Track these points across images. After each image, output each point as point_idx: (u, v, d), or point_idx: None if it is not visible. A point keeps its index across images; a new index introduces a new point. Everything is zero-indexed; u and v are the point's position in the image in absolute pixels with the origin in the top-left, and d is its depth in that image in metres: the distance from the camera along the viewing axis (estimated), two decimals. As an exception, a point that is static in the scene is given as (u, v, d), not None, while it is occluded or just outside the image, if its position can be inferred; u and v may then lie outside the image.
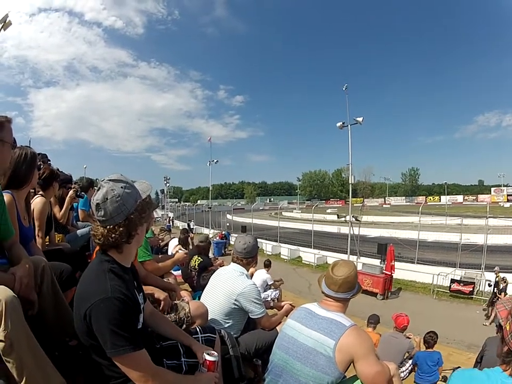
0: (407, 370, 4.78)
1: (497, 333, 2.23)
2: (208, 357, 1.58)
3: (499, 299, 10.08)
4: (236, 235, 27.11)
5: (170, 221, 38.10)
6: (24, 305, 1.47)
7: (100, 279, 1.30)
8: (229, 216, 36.98)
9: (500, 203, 62.59)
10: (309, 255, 20.03)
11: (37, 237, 2.57)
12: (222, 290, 2.51)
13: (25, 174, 2.21)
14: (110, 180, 1.31)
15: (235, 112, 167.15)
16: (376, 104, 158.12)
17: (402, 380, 2.33)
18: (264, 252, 22.60)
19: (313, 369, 1.72)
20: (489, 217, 17.57)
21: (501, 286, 11.10)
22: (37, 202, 2.71)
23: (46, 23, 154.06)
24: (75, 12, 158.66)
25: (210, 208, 34.73)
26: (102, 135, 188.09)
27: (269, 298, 5.68)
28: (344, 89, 19.45)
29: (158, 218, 30.57)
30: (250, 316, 2.53)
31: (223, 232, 24.40)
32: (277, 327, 2.60)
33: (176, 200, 76.80)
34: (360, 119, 17.76)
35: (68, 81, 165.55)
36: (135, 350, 1.26)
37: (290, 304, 2.98)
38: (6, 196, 1.95)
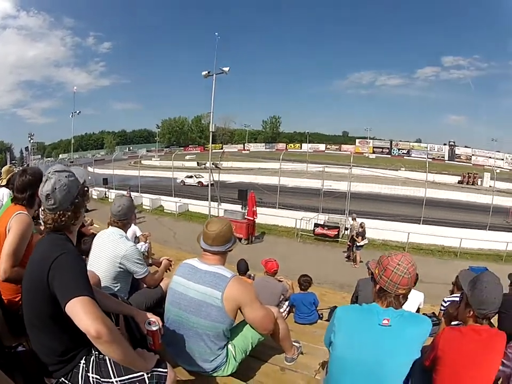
0: (285, 312, 4.94)
1: (369, 275, 2.76)
2: (150, 327, 1.67)
3: (356, 242, 12.08)
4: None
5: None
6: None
7: (58, 243, 1.44)
8: (90, 169, 34.34)
9: (365, 154, 62.76)
10: (171, 203, 20.48)
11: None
12: (106, 255, 2.53)
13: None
14: (56, 171, 1.47)
15: (100, 59, 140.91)
16: (241, 52, 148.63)
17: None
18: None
19: (207, 320, 1.89)
20: (352, 166, 18.78)
21: (359, 231, 12.01)
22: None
23: None
24: None
25: (73, 162, 30.83)
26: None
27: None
28: (216, 34, 19.54)
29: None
30: (135, 276, 2.61)
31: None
32: (160, 284, 2.75)
33: (39, 156, 71.91)
34: (226, 69, 17.57)
35: None
36: (89, 295, 1.32)
37: (167, 259, 3.06)
38: None
